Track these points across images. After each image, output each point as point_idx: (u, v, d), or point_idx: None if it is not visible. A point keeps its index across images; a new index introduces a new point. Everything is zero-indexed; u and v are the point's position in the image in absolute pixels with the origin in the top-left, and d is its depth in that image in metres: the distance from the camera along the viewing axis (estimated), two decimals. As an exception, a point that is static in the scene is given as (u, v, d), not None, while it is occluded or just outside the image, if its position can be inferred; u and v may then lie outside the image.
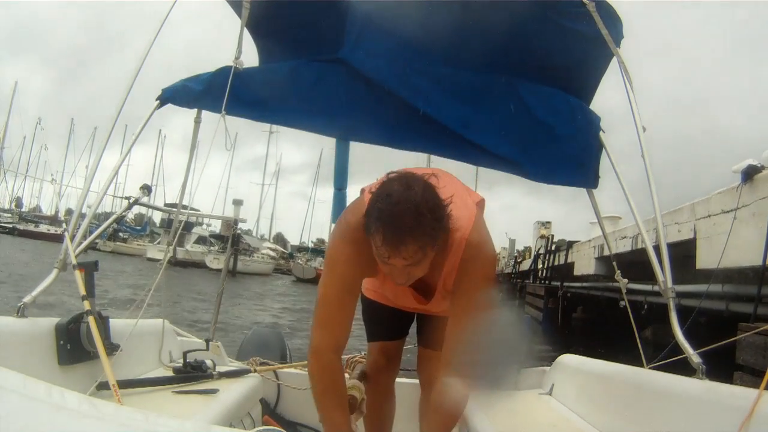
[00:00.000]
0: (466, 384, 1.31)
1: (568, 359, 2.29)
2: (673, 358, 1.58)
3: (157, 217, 43.01)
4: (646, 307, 6.43)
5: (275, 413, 2.33)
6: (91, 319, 1.58)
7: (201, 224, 38.18)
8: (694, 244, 6.02)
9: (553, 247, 17.92)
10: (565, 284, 13.44)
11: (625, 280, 2.06)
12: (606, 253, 10.67)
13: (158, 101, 1.94)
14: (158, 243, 35.25)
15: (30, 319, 1.55)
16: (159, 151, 51.61)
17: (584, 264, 13.01)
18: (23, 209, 48.12)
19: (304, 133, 2.15)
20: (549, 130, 1.96)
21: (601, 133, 2.01)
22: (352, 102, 1.96)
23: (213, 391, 1.85)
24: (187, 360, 2.06)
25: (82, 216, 1.90)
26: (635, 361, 1.75)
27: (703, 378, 1.43)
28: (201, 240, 35.58)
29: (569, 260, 14.73)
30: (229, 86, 1.85)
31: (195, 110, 2.04)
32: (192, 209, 3.34)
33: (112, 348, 1.66)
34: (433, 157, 2.21)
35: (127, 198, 2.27)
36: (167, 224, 34.28)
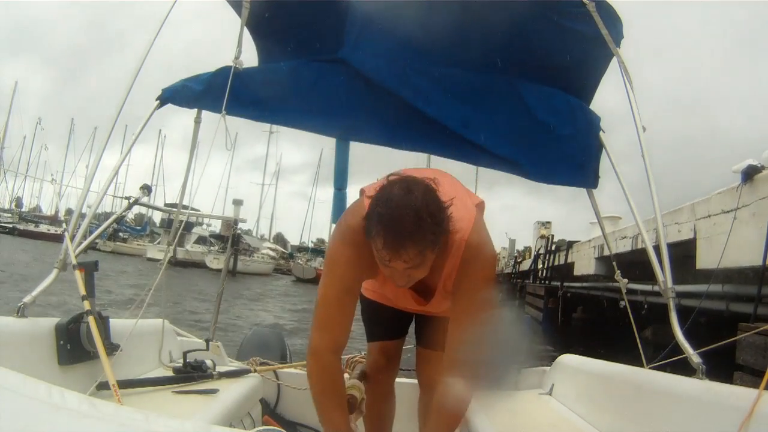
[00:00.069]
0: (468, 384, 1.31)
1: (568, 359, 2.29)
2: (673, 358, 1.58)
3: (157, 217, 43.06)
4: (646, 307, 6.42)
5: (275, 413, 2.33)
6: (91, 319, 1.58)
7: (201, 224, 38.21)
8: (694, 244, 6.02)
9: (553, 247, 17.92)
10: (565, 284, 13.43)
11: (625, 280, 2.06)
12: (606, 253, 10.66)
13: (158, 101, 1.94)
14: (158, 243, 35.28)
15: (30, 319, 1.55)
16: (159, 151, 51.73)
17: (584, 264, 13.01)
18: (23, 209, 48.14)
19: (304, 133, 2.15)
20: (549, 130, 1.96)
21: (601, 133, 2.01)
22: (352, 102, 1.96)
23: (213, 391, 1.85)
24: (187, 360, 2.06)
25: (82, 216, 1.90)
26: (635, 361, 1.75)
27: (703, 378, 1.43)
28: (201, 240, 35.60)
29: (569, 260, 14.72)
30: (229, 86, 1.85)
31: (195, 110, 2.04)
32: (192, 209, 3.34)
33: (112, 348, 1.66)
34: (433, 157, 2.21)
35: (127, 198, 2.27)
36: (167, 224, 34.28)
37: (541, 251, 20.13)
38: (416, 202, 1.16)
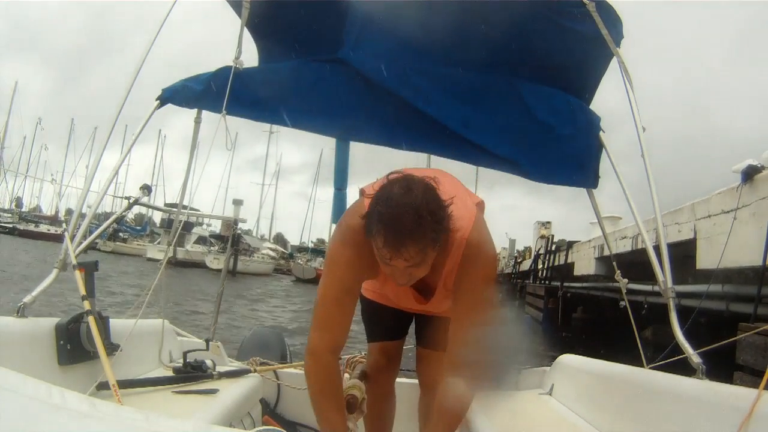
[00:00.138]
0: (470, 384, 1.31)
1: (568, 359, 2.29)
2: (673, 358, 1.58)
3: (157, 217, 43.14)
4: (646, 307, 6.41)
5: (275, 413, 2.33)
6: (91, 319, 1.58)
7: (201, 224, 38.22)
8: (694, 244, 6.02)
9: (553, 248, 17.92)
10: (565, 284, 13.43)
11: (625, 280, 2.06)
12: (606, 253, 10.67)
13: (158, 101, 1.94)
14: (158, 243, 35.29)
15: (30, 319, 1.55)
16: (159, 151, 51.74)
17: (584, 264, 13.01)
18: (23, 209, 48.16)
19: (304, 133, 2.15)
20: (549, 130, 1.96)
21: (601, 133, 2.01)
22: (352, 102, 1.96)
23: (213, 391, 1.85)
24: (187, 360, 2.06)
25: (82, 216, 1.90)
26: (635, 361, 1.75)
27: (703, 378, 1.43)
28: (201, 240, 35.59)
29: (569, 260, 14.73)
30: (229, 86, 1.85)
31: (195, 110, 2.04)
32: (192, 209, 3.34)
33: (112, 348, 1.66)
34: (433, 157, 2.21)
35: (127, 198, 2.27)
36: (167, 224, 34.35)
37: (541, 251, 20.13)
38: (416, 200, 1.16)
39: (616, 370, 1.81)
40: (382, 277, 1.46)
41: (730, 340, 2.36)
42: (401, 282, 1.30)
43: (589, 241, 13.02)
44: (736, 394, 1.20)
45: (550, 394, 2.21)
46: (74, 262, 1.70)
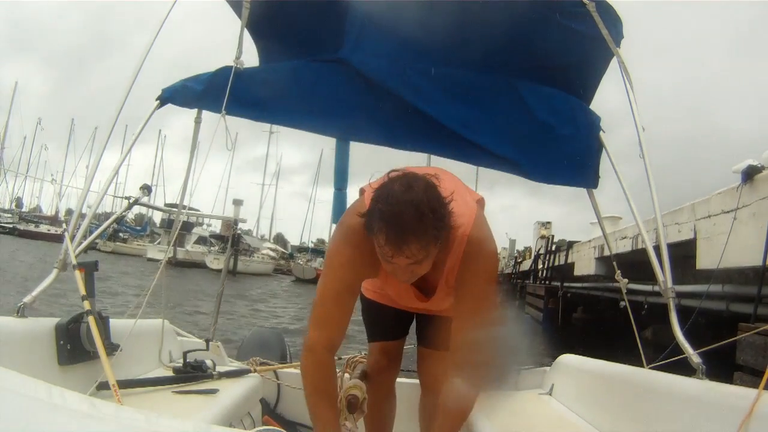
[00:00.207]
0: (473, 384, 1.31)
1: (568, 359, 2.29)
2: (673, 358, 1.58)
3: (157, 217, 43.19)
4: (646, 307, 6.41)
5: (275, 413, 2.33)
6: (91, 319, 1.58)
7: (201, 224, 38.24)
8: (694, 244, 6.01)
9: (554, 248, 17.92)
10: (566, 284, 13.44)
11: (625, 281, 2.06)
12: (606, 253, 10.66)
13: (158, 101, 1.94)
14: (158, 243, 35.29)
15: (30, 319, 1.55)
16: (159, 151, 51.71)
17: (584, 264, 13.00)
18: (23, 209, 48.18)
19: (304, 133, 2.16)
20: (549, 130, 1.96)
21: (601, 133, 2.01)
22: (352, 102, 1.96)
23: (213, 391, 1.85)
24: (187, 360, 2.06)
25: (82, 216, 1.90)
26: (635, 361, 1.75)
27: (703, 378, 1.43)
28: (201, 240, 35.61)
29: (569, 260, 14.72)
30: (229, 86, 1.85)
31: (195, 110, 2.04)
32: (192, 209, 3.34)
33: (112, 348, 1.66)
34: (433, 157, 2.21)
35: (127, 198, 2.27)
36: (167, 224, 34.37)
37: (542, 251, 20.14)
38: (417, 197, 1.16)
39: (616, 370, 1.81)
40: (383, 276, 1.46)
41: (730, 340, 2.37)
42: (403, 279, 1.30)
43: (590, 241, 13.01)
44: (736, 394, 1.20)
45: (550, 394, 2.21)
46: (74, 262, 1.70)
